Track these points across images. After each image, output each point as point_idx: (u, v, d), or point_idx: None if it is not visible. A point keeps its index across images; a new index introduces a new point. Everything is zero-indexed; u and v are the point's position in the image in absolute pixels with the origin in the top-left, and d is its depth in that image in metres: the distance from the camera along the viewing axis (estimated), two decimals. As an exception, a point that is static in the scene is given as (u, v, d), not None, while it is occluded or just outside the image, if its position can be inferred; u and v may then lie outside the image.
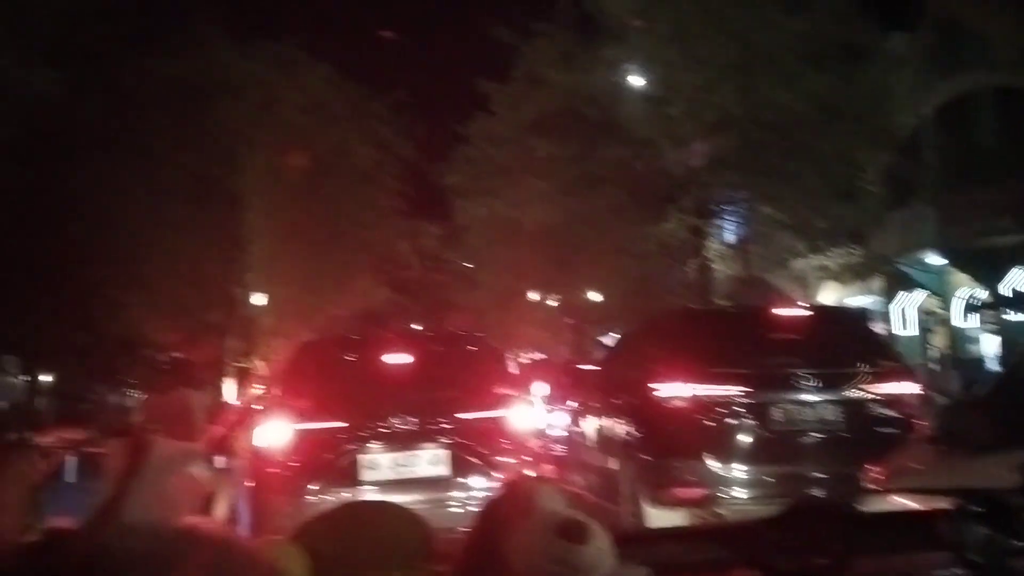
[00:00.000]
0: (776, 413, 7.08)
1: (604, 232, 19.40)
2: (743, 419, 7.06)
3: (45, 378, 33.30)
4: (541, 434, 9.29)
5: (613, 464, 8.35)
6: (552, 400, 14.67)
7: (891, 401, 7.22)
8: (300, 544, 1.41)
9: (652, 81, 16.90)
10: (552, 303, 32.15)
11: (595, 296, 29.02)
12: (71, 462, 9.39)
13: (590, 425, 9.72)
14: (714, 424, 7.08)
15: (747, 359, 7.32)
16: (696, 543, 1.70)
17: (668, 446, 7.22)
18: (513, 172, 19.56)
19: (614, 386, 8.85)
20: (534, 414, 8.79)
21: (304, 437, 7.23)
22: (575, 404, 11.14)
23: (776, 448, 7.00)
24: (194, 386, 8.06)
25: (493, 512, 1.35)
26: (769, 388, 7.10)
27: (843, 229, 19.23)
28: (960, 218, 22.54)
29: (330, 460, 7.11)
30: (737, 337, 7.59)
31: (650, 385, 7.49)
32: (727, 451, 7.06)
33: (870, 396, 7.24)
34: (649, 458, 7.42)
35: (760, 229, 20.30)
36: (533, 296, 31.29)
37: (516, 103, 19.16)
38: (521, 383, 9.63)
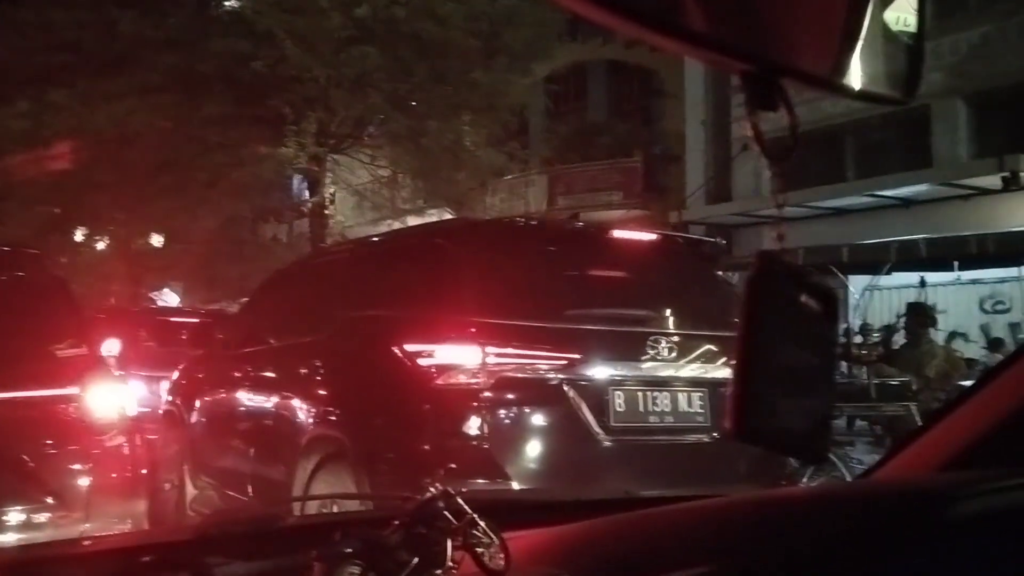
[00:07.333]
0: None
1: (199, 150, 15.01)
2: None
3: None
4: (132, 421, 5.66)
5: (284, 470, 4.96)
6: (127, 364, 10.42)
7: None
8: None
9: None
10: (101, 245, 26.51)
11: (157, 241, 24.27)
12: None
13: (226, 407, 6.14)
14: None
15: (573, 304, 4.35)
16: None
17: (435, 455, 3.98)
18: (85, 53, 14.27)
19: (296, 347, 5.34)
20: (119, 389, 5.23)
21: None
22: (184, 373, 7.34)
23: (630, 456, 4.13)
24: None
25: None
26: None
27: (452, 193, 17.10)
28: (569, 189, 22.11)
29: None
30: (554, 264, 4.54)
31: (402, 347, 4.18)
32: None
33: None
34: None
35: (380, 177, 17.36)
36: (79, 235, 25.34)
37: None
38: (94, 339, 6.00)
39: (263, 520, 1.56)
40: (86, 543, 1.80)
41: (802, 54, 0.72)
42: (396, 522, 1.07)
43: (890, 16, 0.79)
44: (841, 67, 0.74)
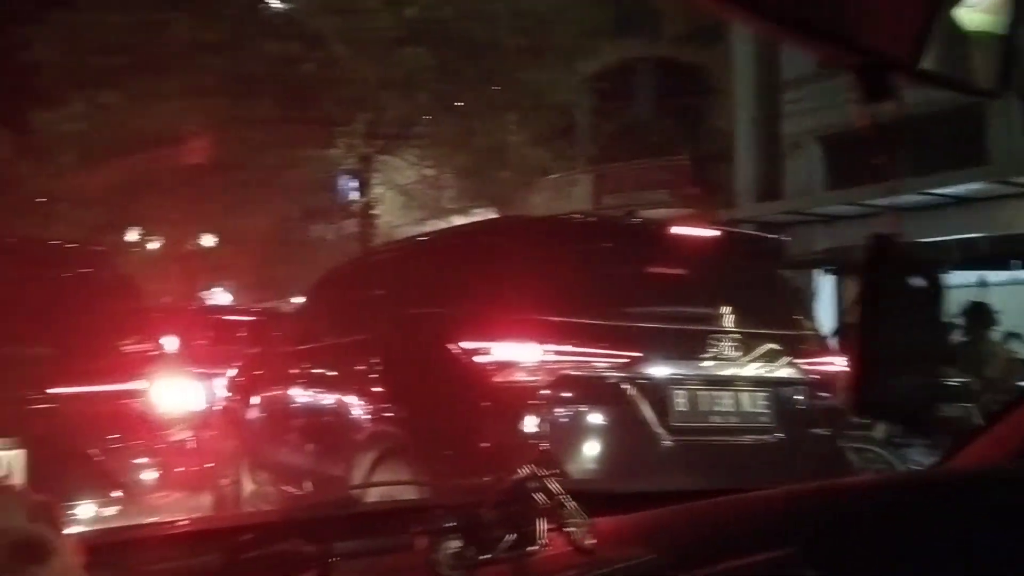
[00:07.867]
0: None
1: (250, 152, 15.20)
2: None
3: None
4: (197, 417, 5.81)
5: (342, 466, 5.02)
6: (183, 361, 10.60)
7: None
8: None
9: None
10: (154, 245, 27.00)
11: (209, 241, 24.67)
12: None
13: (283, 404, 6.24)
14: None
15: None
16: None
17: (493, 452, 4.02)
18: (140, 55, 14.54)
19: (352, 344, 5.40)
20: (183, 385, 5.35)
21: None
22: (241, 370, 7.48)
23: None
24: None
25: None
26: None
27: (498, 192, 17.09)
28: (616, 188, 22.01)
29: None
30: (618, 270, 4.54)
31: (460, 344, 4.23)
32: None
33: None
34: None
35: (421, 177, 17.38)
36: (132, 236, 25.82)
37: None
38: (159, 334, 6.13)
39: (360, 503, 1.61)
40: (198, 522, 1.87)
41: (903, 46, 0.75)
42: (492, 500, 1.11)
43: (983, 10, 0.81)
44: (939, 59, 0.77)
